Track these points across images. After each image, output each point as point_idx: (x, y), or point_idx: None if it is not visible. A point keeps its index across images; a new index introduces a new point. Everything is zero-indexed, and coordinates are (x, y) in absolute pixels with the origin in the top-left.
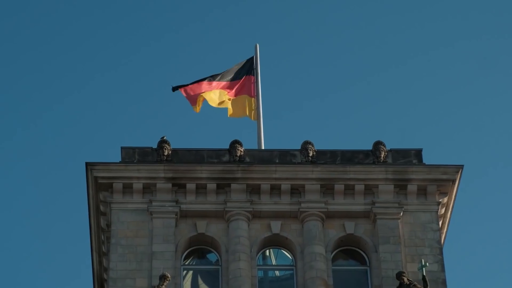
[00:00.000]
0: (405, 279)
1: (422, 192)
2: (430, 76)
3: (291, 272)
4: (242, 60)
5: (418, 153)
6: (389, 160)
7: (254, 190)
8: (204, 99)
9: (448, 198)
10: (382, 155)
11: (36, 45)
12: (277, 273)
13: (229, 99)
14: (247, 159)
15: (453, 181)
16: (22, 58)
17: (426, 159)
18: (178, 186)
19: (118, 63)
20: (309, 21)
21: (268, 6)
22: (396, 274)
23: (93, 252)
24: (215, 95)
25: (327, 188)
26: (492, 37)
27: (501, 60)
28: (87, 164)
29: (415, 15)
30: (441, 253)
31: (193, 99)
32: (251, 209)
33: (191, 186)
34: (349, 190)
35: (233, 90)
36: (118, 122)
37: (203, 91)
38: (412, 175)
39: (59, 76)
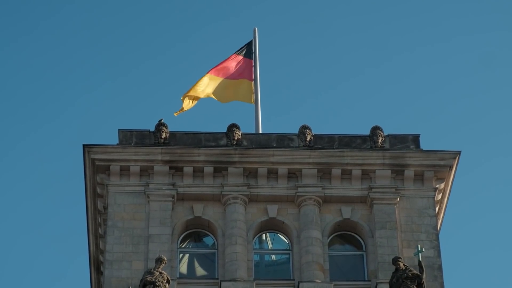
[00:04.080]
0: (401, 264)
1: (419, 177)
2: (429, 65)
3: (287, 256)
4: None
5: (415, 138)
6: (387, 146)
7: (251, 174)
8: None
9: (445, 184)
10: (380, 140)
11: (34, 31)
12: (273, 257)
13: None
14: (245, 143)
15: (450, 167)
16: (19, 42)
17: (424, 145)
18: (175, 169)
19: (116, 47)
20: (307, 4)
21: None
22: (392, 260)
23: (90, 235)
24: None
25: (324, 173)
26: (491, 30)
27: (498, 51)
28: (84, 146)
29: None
30: (437, 239)
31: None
32: (248, 193)
33: (188, 169)
34: (346, 175)
35: (226, 72)
36: (116, 105)
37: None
38: (409, 161)
39: (57, 59)
